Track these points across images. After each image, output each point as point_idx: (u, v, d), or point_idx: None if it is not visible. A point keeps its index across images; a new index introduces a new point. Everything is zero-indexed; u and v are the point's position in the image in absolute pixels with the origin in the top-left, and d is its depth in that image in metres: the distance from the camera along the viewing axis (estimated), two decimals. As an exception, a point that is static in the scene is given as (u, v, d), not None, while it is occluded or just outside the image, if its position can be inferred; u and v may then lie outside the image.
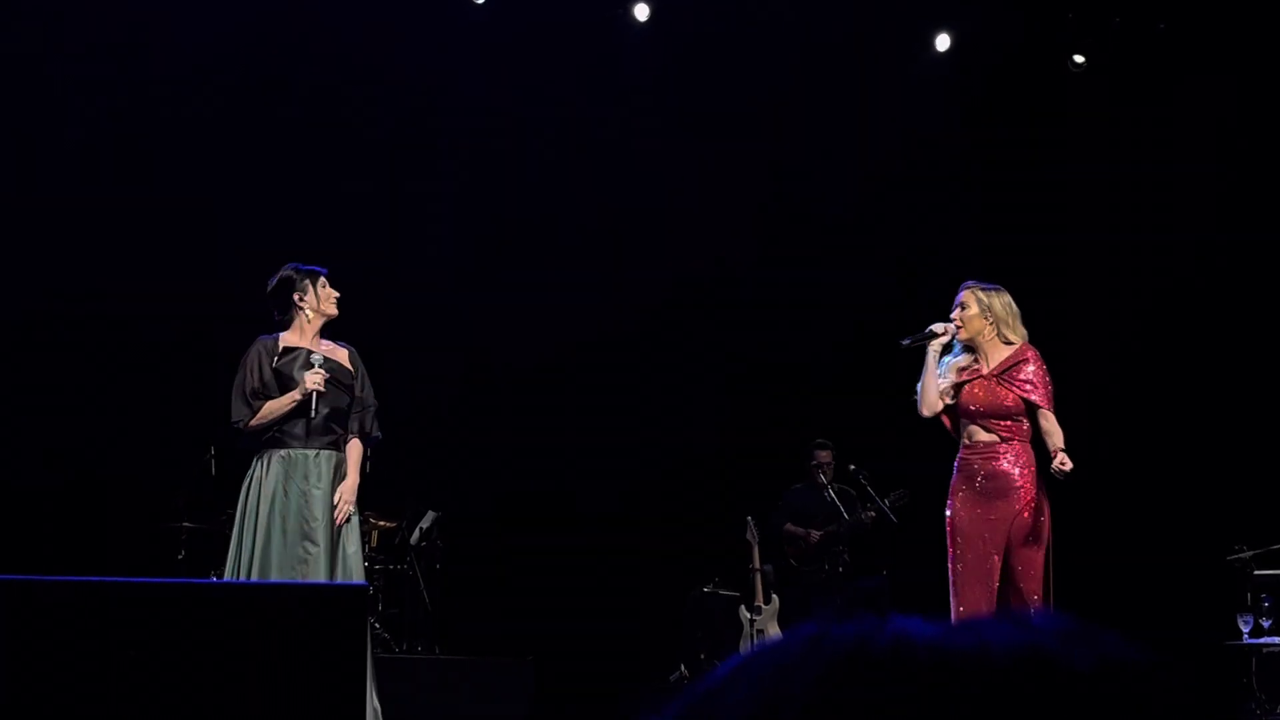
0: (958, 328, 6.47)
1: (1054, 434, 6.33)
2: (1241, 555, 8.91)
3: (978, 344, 6.47)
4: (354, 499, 6.30)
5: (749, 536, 9.91)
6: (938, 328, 6.49)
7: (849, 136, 10.85)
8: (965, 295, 6.51)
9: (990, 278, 6.76)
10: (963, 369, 6.45)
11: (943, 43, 10.81)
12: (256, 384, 6.29)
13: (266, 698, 3.52)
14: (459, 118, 10.58)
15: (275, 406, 6.26)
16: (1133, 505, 10.28)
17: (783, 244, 10.90)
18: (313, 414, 6.27)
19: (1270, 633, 8.39)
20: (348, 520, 6.28)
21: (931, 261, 10.40)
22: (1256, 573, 8.75)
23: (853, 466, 9.52)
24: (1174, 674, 0.59)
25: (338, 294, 6.49)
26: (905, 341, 6.56)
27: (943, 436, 6.63)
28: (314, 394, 6.25)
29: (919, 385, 6.48)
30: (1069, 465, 6.21)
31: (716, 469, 10.45)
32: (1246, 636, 8.43)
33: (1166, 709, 0.58)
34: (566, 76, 10.53)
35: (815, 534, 9.97)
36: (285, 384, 6.30)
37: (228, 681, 3.50)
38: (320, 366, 6.31)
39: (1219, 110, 10.54)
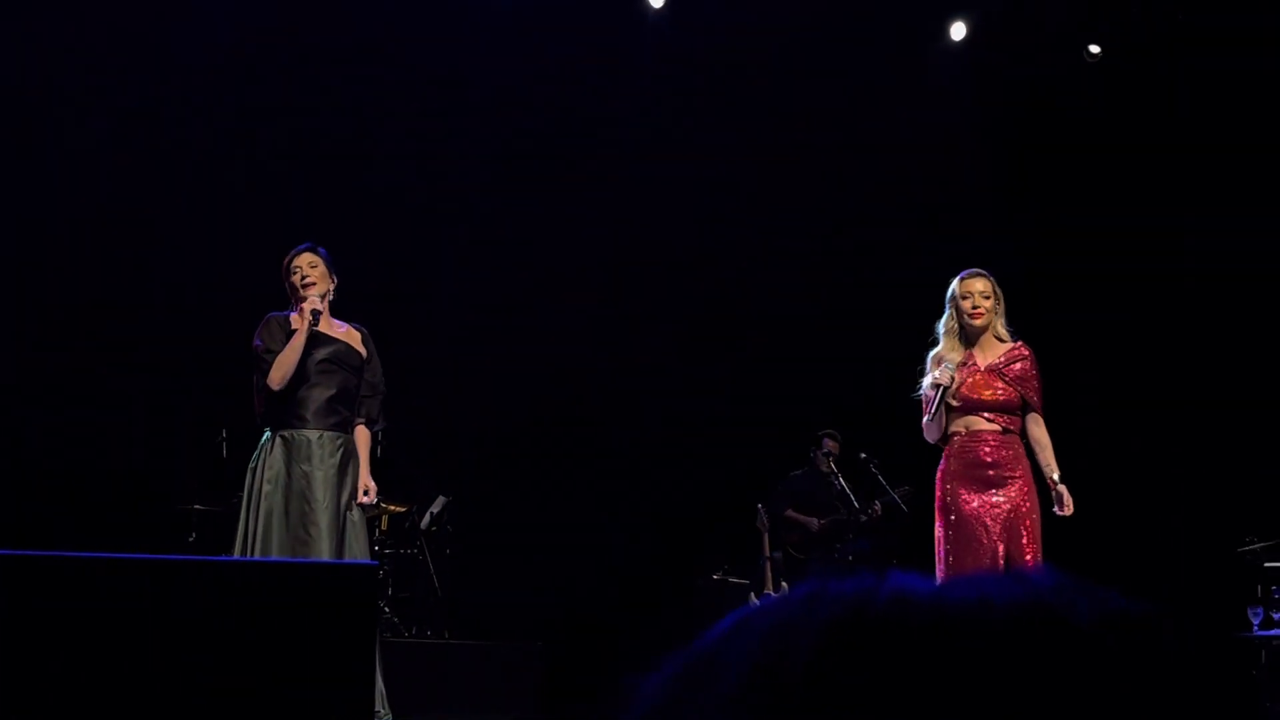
0: (973, 317, 6.36)
1: (1046, 446, 6.26)
2: (1252, 547, 8.89)
3: (976, 335, 6.38)
4: (372, 483, 6.31)
5: (760, 524, 9.91)
6: (944, 379, 6.22)
7: (863, 124, 10.83)
8: (990, 284, 6.41)
9: (1008, 266, 6.71)
10: (961, 365, 6.34)
11: (958, 31, 10.78)
12: (271, 344, 6.27)
13: (275, 677, 3.52)
14: (474, 101, 10.58)
15: (285, 356, 6.21)
16: (1143, 497, 10.26)
17: (795, 232, 10.89)
18: (312, 323, 6.23)
19: (1281, 625, 8.38)
20: (358, 506, 6.27)
21: (947, 252, 10.38)
22: (1267, 564, 8.74)
23: (863, 455, 9.50)
24: (1176, 626, 0.59)
25: (306, 276, 6.32)
26: (930, 416, 6.25)
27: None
28: (314, 313, 6.23)
29: (927, 420, 6.27)
30: (1070, 508, 6.20)
31: (725, 457, 10.45)
32: (1257, 629, 8.41)
33: (1169, 661, 0.57)
34: (579, 62, 10.53)
35: (817, 522, 9.97)
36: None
37: (235, 661, 3.51)
38: (310, 309, 6.27)
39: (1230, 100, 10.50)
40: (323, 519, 6.11)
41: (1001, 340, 6.38)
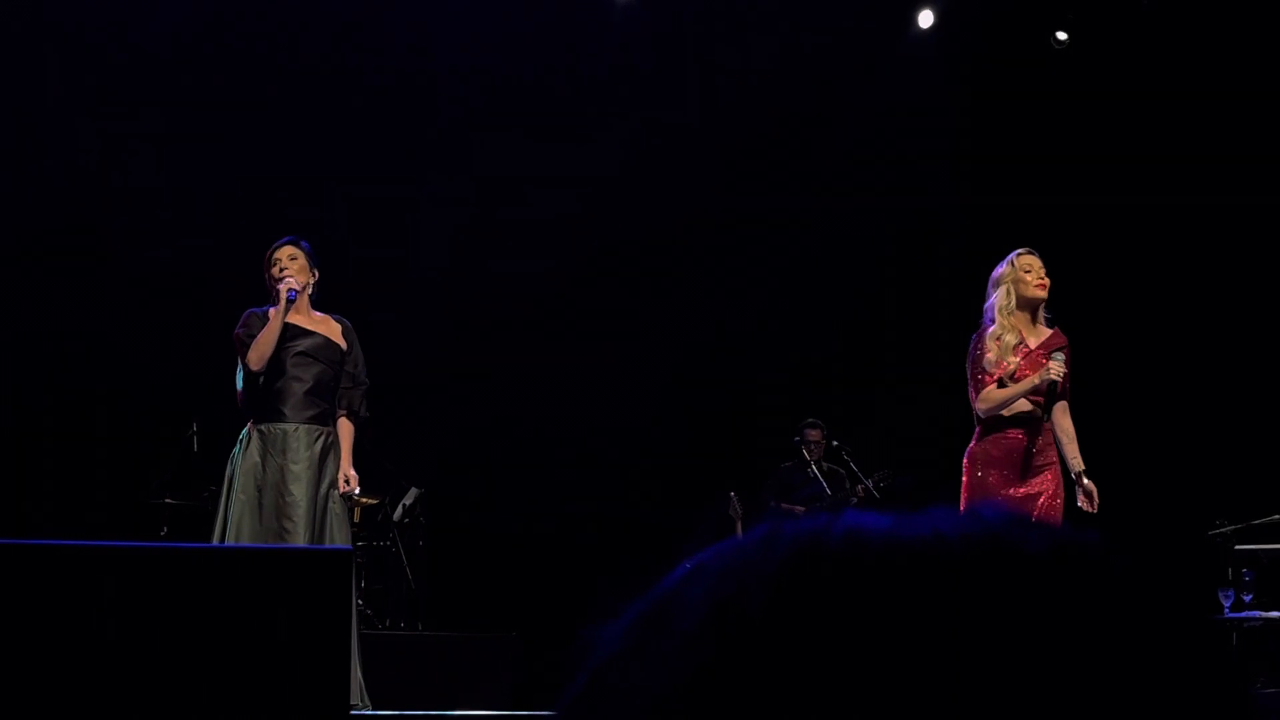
0: (1041, 287, 6.19)
1: (1074, 438, 6.18)
2: (1223, 530, 8.94)
3: (1025, 315, 6.24)
4: (353, 473, 6.31)
5: (732, 512, 9.94)
6: (1057, 372, 6.02)
7: (832, 111, 10.85)
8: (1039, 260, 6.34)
9: (976, 254, 6.70)
10: (1015, 346, 6.16)
11: (925, 19, 10.80)
12: (252, 330, 6.25)
13: (250, 664, 3.51)
14: (441, 87, 10.56)
15: (263, 335, 6.21)
16: (1114, 480, 10.29)
17: (773, 222, 10.91)
18: (290, 299, 6.21)
19: (1251, 607, 8.42)
20: (339, 496, 6.27)
21: (919, 243, 10.44)
22: (1237, 547, 8.79)
23: (835, 443, 9.54)
24: (1127, 556, 0.60)
25: (285, 269, 6.32)
26: (1007, 399, 6.07)
27: (931, 418, 6.48)
28: (290, 292, 6.21)
29: (1005, 398, 6.08)
30: (1097, 505, 6.15)
31: (700, 445, 10.46)
32: (1228, 611, 8.46)
33: (1120, 588, 0.58)
34: (548, 53, 10.52)
35: (800, 510, 10.00)
36: (274, 354, 6.26)
37: (210, 648, 3.50)
38: (286, 289, 6.24)
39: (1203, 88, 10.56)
40: (299, 512, 6.12)
41: (1040, 323, 6.27)
